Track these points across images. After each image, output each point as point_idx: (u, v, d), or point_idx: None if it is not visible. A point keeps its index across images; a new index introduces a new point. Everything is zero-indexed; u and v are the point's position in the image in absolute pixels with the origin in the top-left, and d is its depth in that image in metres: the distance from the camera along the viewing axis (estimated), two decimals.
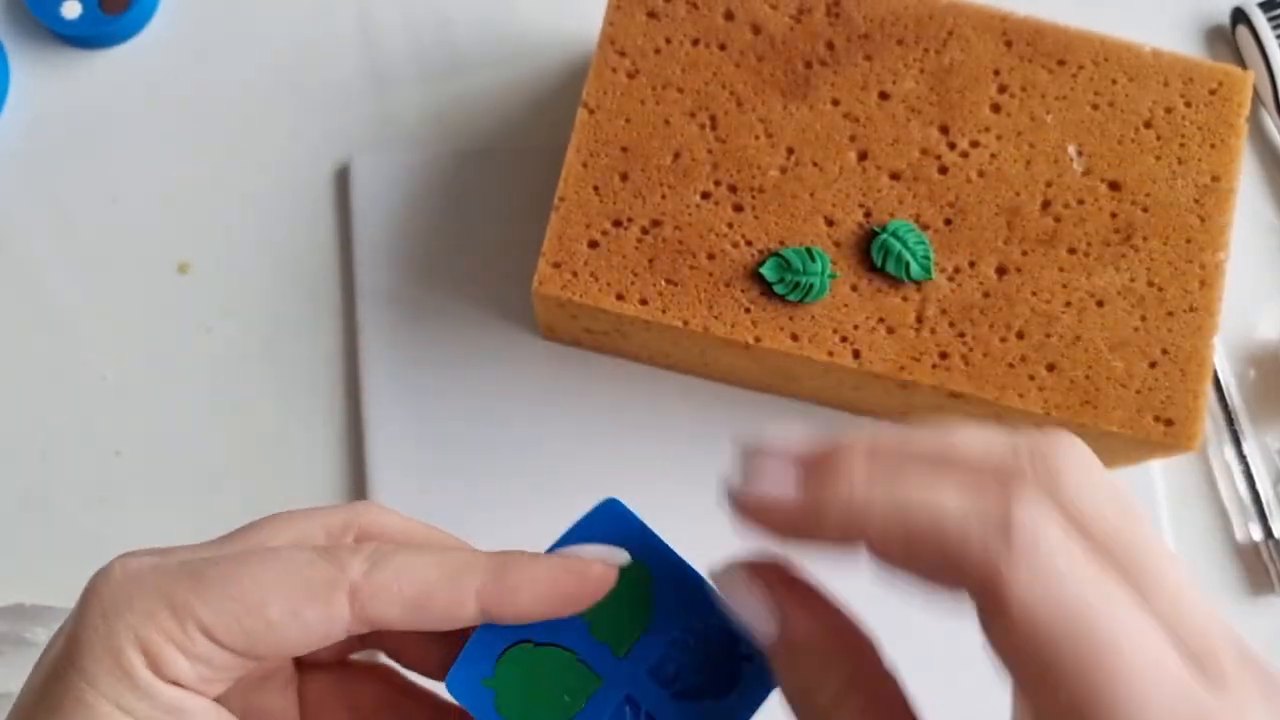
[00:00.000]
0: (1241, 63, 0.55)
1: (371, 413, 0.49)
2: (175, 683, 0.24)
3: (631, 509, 0.27)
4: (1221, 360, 0.51)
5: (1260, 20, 0.53)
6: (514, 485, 0.49)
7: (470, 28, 0.55)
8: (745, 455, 0.23)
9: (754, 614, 0.23)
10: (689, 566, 0.27)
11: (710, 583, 0.26)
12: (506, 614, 0.25)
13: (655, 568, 0.27)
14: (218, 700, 0.25)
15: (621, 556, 0.27)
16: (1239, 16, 0.54)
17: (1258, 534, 0.49)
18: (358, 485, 0.50)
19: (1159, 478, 0.49)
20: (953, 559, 0.20)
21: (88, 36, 0.53)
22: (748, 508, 0.23)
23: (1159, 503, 0.49)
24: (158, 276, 0.51)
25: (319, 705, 0.29)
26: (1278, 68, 0.53)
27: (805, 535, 0.22)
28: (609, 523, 0.27)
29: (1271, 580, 0.49)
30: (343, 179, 0.52)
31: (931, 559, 0.20)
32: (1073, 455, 0.21)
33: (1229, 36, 0.55)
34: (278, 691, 0.29)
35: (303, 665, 0.30)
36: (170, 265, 0.52)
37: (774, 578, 0.24)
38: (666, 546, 0.27)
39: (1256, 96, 0.53)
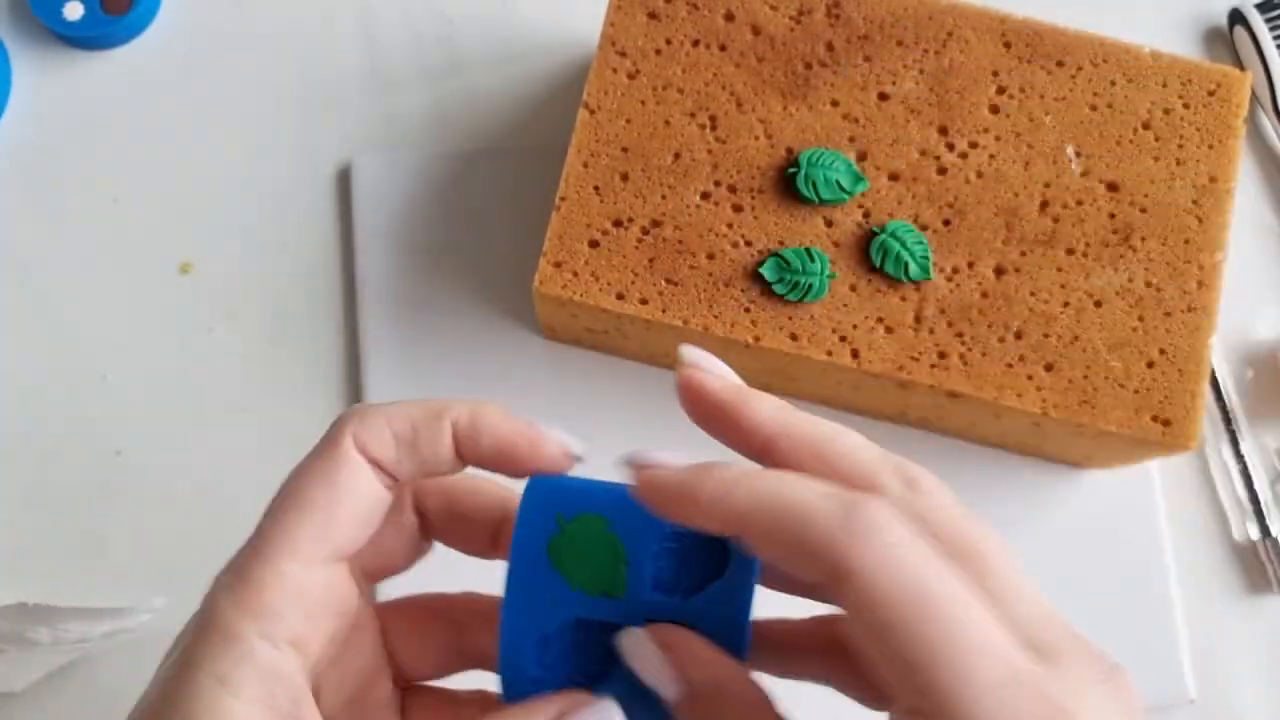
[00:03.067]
0: (1239, 64, 0.55)
1: None
2: (278, 642, 0.25)
3: (555, 476, 0.29)
4: (1219, 360, 0.51)
5: (1258, 21, 0.53)
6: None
7: (471, 28, 0.55)
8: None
9: (657, 673, 0.25)
10: (627, 489, 0.28)
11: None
12: (469, 453, 0.28)
13: (604, 509, 0.28)
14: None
15: (580, 448, 0.29)
16: (1236, 18, 0.54)
17: (1255, 533, 0.49)
18: None
19: (1157, 477, 0.49)
20: (808, 540, 0.22)
21: (90, 38, 0.53)
22: (648, 481, 0.25)
23: (1157, 502, 0.49)
24: (159, 277, 0.52)
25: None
26: (1275, 69, 0.53)
27: (685, 511, 0.24)
28: (544, 498, 0.29)
29: (1269, 579, 0.49)
30: (344, 179, 0.53)
31: (790, 540, 0.22)
32: (929, 475, 0.24)
33: (1227, 38, 0.55)
34: (381, 709, 0.29)
35: (408, 688, 0.30)
36: (172, 265, 0.52)
37: (672, 640, 0.25)
38: (601, 484, 0.29)
39: (1254, 98, 0.53)
